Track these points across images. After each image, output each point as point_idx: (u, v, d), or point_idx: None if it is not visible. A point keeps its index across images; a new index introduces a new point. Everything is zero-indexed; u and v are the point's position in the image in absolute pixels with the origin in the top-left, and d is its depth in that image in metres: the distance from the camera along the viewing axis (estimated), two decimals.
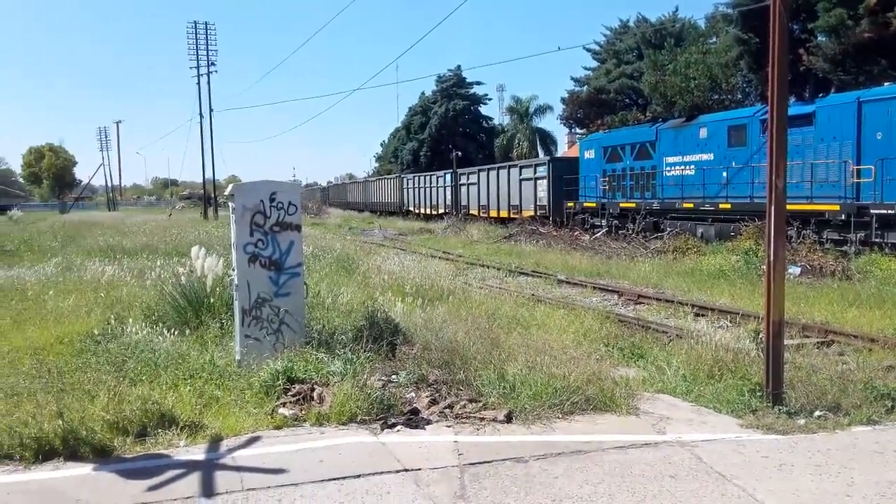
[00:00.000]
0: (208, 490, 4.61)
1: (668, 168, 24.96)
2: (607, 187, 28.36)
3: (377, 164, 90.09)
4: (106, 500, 4.47)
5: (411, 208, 51.05)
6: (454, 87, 71.59)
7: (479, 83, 72.87)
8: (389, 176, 62.37)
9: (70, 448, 5.23)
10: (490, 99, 75.23)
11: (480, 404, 6.22)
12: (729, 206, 21.69)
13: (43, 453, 5.18)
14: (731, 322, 10.14)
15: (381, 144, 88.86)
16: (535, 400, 6.14)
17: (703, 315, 11.32)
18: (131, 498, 4.50)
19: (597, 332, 9.17)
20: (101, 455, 5.21)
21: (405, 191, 52.61)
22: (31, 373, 6.94)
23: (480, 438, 5.60)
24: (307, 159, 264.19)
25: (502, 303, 10.84)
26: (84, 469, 4.99)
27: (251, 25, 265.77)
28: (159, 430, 5.59)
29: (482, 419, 5.97)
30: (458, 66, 72.50)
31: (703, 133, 23.43)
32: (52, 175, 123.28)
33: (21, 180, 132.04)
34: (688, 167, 23.98)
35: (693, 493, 4.57)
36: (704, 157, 23.22)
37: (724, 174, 22.07)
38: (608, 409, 6.25)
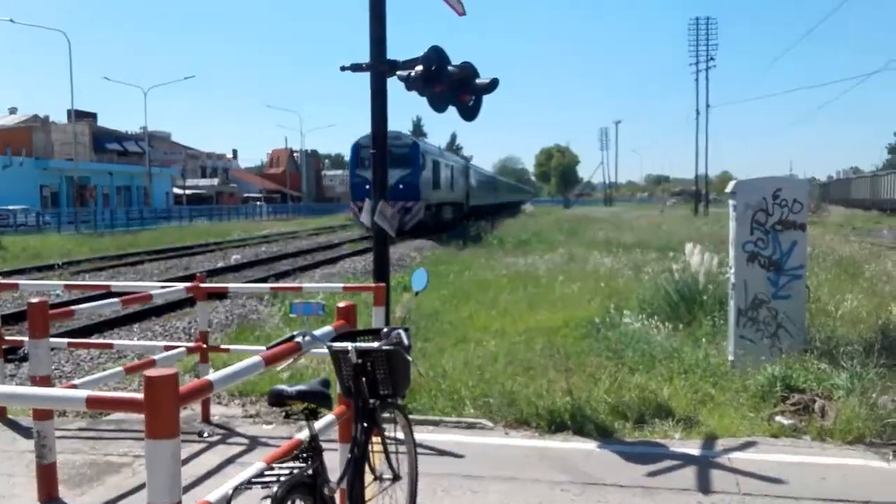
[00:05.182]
0: (704, 486, 4.67)
1: None
2: None
3: (889, 156, 79.19)
4: (609, 477, 4.85)
5: None
6: None
7: None
8: None
9: (577, 424, 5.79)
10: None
11: None
12: None
13: (554, 425, 5.82)
14: None
15: None
16: None
17: None
18: (631, 479, 4.80)
19: None
20: (603, 435, 5.66)
21: None
22: (543, 351, 7.88)
23: None
24: (804, 153, 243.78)
25: None
26: (589, 445, 5.48)
27: (754, 16, 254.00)
28: (655, 420, 5.84)
29: None
30: None
31: None
32: (559, 173, 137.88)
33: (533, 178, 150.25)
34: None
35: None
36: None
37: None
38: None
